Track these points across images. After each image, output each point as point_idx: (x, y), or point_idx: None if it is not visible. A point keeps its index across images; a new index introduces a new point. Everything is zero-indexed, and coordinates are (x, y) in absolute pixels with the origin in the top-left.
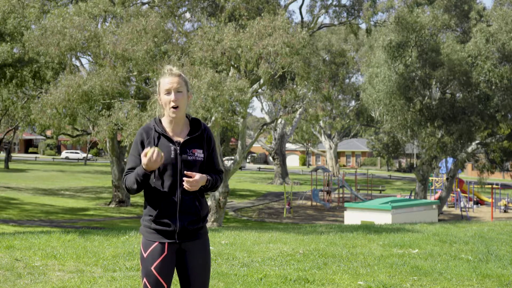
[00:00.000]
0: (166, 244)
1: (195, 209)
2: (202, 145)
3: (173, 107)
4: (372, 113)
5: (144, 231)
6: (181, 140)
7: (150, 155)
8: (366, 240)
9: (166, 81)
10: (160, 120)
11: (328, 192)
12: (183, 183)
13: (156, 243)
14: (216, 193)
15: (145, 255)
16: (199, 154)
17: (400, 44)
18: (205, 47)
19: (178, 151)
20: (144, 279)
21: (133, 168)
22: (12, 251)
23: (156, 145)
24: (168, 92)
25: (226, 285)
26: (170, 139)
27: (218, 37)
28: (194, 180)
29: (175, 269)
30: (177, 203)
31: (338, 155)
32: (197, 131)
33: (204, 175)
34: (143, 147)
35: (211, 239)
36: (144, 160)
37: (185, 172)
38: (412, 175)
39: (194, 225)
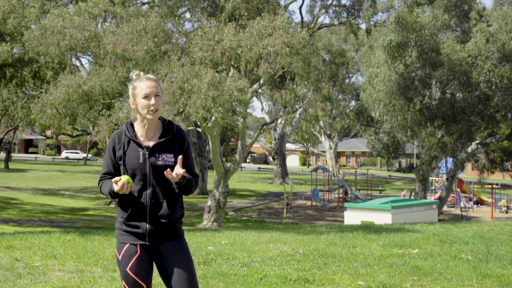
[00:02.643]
0: (138, 246)
1: (165, 212)
2: (172, 149)
3: (152, 111)
4: (372, 113)
5: (117, 234)
6: (150, 144)
7: (119, 187)
8: (366, 240)
9: (144, 85)
10: (132, 124)
11: (345, 193)
12: (166, 174)
13: (128, 245)
14: (216, 193)
15: (119, 258)
16: (169, 158)
17: (400, 44)
18: (205, 47)
19: (146, 155)
20: (123, 282)
21: (107, 173)
22: (12, 251)
23: (126, 151)
24: (147, 96)
25: (226, 285)
26: (139, 144)
27: (218, 37)
28: (174, 174)
29: (159, 274)
30: (147, 207)
31: (338, 155)
32: (168, 134)
33: (180, 171)
34: (114, 153)
35: (211, 239)
36: (114, 187)
37: (165, 173)
38: (412, 175)
39: (165, 227)
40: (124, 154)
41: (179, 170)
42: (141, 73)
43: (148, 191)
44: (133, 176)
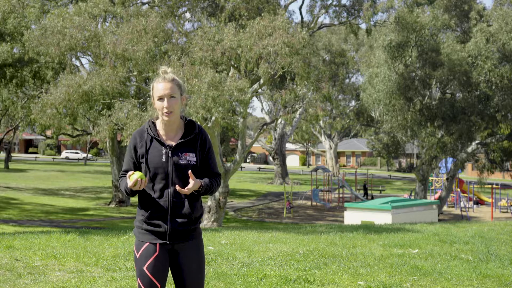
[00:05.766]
0: (158, 245)
1: (186, 211)
2: (195, 148)
3: (166, 113)
4: (372, 113)
5: (136, 232)
6: (173, 143)
7: (132, 183)
8: (366, 240)
9: (159, 87)
10: (154, 123)
11: (364, 188)
12: (177, 187)
13: (148, 244)
14: (216, 193)
15: (137, 256)
16: (191, 157)
17: (400, 44)
18: (205, 47)
19: (169, 154)
20: (138, 280)
21: (127, 171)
22: (12, 251)
23: (148, 149)
24: (161, 98)
25: (226, 285)
26: (162, 143)
27: (218, 37)
28: (186, 189)
29: (170, 271)
30: (168, 205)
31: (338, 155)
32: (191, 134)
33: (198, 180)
34: (136, 151)
35: (211, 239)
36: (129, 183)
37: (176, 187)
38: (412, 175)
39: (185, 226)
40: (147, 153)
41: (191, 185)
42: (165, 71)
43: (170, 189)
44: (155, 175)
